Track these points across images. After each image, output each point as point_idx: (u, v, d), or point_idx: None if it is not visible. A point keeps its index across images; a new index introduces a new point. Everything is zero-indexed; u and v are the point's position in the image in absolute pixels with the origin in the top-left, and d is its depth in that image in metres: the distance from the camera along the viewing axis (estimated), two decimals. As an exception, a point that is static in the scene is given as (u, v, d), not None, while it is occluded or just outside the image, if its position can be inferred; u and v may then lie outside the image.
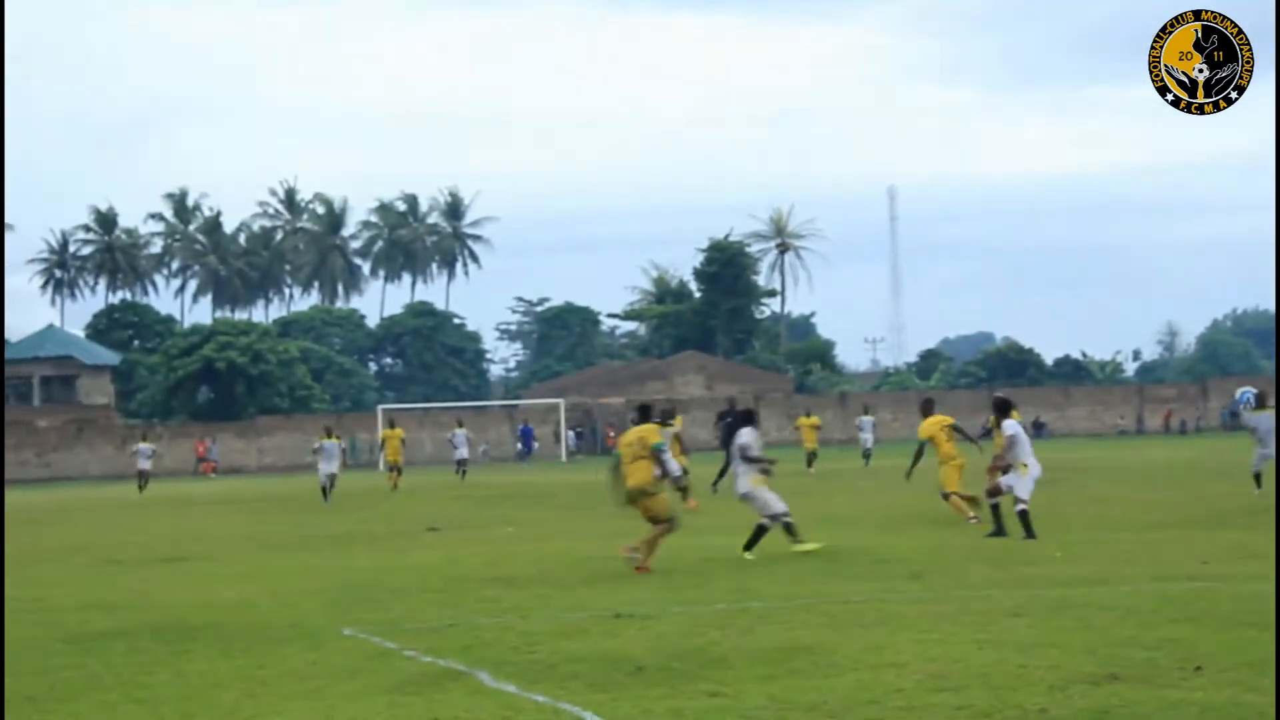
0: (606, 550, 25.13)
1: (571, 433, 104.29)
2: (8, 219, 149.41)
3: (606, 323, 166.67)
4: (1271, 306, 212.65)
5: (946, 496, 28.83)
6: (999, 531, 24.63)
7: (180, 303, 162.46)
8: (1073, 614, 15.56)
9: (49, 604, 20.19)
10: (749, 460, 23.28)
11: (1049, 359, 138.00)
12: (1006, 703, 11.27)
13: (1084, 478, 34.53)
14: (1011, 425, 24.89)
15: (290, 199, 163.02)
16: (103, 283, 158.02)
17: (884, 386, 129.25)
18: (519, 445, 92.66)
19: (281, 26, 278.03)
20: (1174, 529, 25.77)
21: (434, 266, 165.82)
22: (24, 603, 20.41)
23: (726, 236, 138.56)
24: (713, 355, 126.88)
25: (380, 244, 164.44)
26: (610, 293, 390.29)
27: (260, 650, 15.20)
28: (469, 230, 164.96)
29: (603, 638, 15.12)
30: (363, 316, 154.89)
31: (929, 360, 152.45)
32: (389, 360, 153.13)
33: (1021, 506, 24.39)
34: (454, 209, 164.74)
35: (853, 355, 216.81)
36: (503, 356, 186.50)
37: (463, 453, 62.34)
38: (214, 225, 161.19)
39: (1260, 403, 32.99)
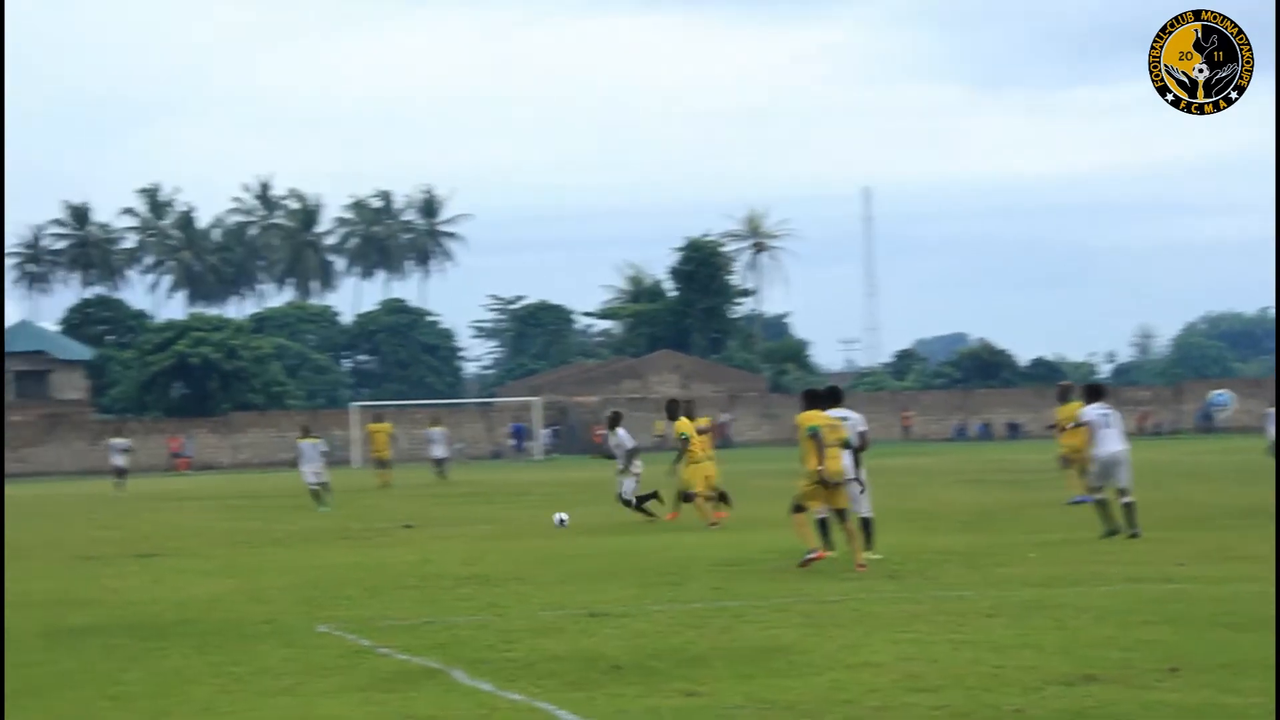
0: (583, 548, 25.15)
1: (547, 431, 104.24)
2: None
3: (581, 321, 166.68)
4: (1246, 309, 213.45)
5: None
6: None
7: (154, 298, 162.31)
8: (1048, 615, 15.59)
9: (24, 599, 20.12)
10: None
11: (1023, 360, 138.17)
12: (982, 703, 11.29)
13: (1058, 479, 34.61)
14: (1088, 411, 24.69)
15: (265, 194, 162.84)
16: (76, 278, 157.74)
17: (859, 387, 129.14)
18: (512, 442, 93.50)
19: (259, 21, 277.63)
20: (1150, 530, 25.79)
21: (408, 263, 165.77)
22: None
23: (703, 236, 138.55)
24: (688, 354, 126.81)
25: (355, 240, 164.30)
26: (585, 291, 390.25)
27: (234, 647, 15.17)
28: (444, 227, 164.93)
29: (579, 636, 15.12)
30: (337, 313, 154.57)
31: (903, 361, 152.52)
32: (363, 357, 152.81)
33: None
34: (429, 206, 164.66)
35: (827, 355, 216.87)
36: (477, 354, 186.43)
37: (439, 451, 61.97)
38: (188, 220, 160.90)
39: None
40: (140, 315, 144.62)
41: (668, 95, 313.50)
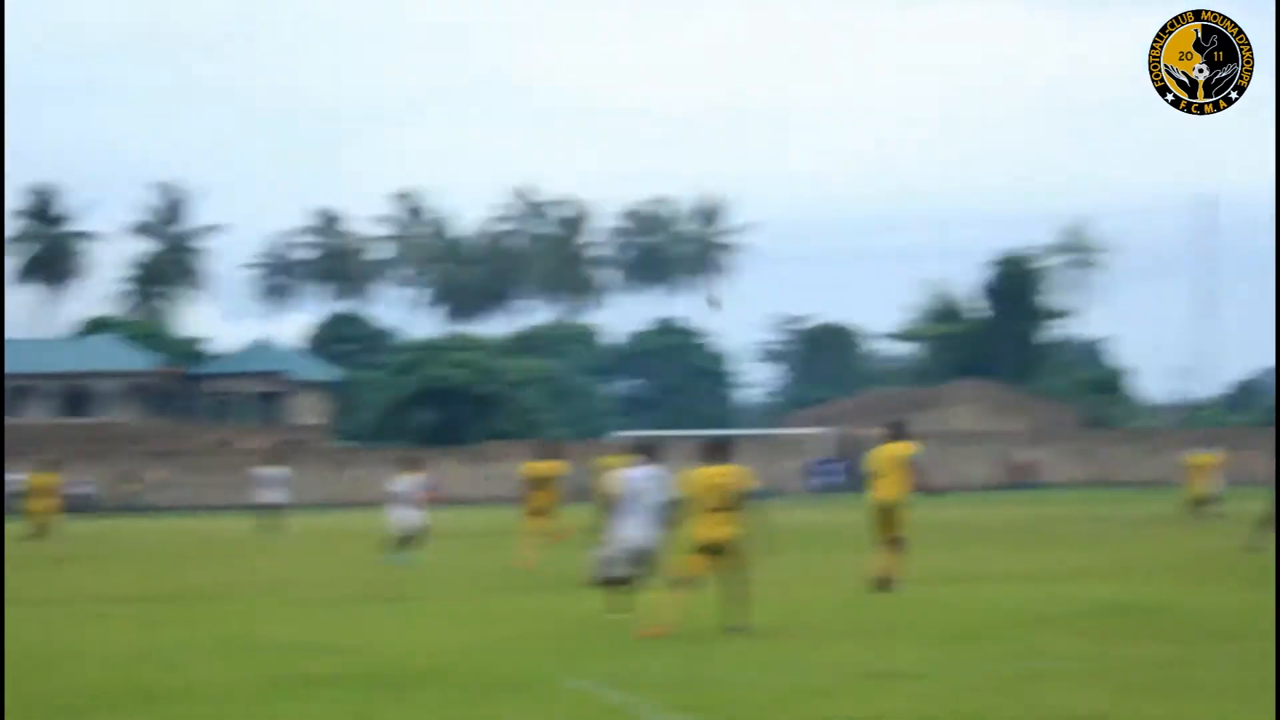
0: (865, 599, 24.91)
1: (837, 466, 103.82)
2: (225, 220, 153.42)
3: (875, 343, 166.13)
4: None
5: None
6: None
7: (408, 313, 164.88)
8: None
9: (255, 642, 20.45)
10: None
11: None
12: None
13: None
14: None
15: (529, 202, 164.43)
16: (325, 290, 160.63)
17: (1188, 423, 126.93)
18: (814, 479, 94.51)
19: (519, 20, 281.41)
20: None
21: (686, 277, 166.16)
22: (233, 640, 20.72)
23: (1014, 251, 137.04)
24: (994, 381, 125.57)
25: (627, 252, 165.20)
26: (879, 309, 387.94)
27: (482, 701, 15.29)
28: (726, 238, 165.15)
29: (860, 700, 14.99)
30: (604, 332, 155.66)
31: (1245, 393, 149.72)
32: (632, 381, 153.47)
33: None
34: (709, 215, 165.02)
35: (1154, 386, 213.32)
36: (761, 378, 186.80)
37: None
38: (445, 229, 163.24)
39: None
40: (390, 334, 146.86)
41: (975, 94, 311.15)
